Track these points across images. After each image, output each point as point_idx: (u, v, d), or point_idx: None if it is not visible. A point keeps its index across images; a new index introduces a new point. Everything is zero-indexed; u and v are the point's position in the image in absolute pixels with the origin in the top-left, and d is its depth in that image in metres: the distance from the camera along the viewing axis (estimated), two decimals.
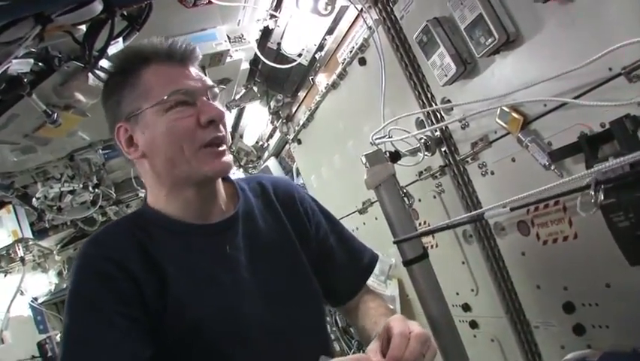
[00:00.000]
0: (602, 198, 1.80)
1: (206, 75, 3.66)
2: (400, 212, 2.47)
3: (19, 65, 2.87)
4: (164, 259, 1.80)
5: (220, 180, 2.00)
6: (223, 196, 2.01)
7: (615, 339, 2.27)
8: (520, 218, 2.54)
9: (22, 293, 8.24)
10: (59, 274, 8.59)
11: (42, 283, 8.60)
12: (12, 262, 7.79)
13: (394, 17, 2.94)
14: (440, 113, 2.85)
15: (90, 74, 3.09)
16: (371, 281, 3.95)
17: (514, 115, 2.28)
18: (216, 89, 1.90)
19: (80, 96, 3.56)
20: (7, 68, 2.74)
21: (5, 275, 8.11)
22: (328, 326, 2.36)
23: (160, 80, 1.79)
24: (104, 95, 1.95)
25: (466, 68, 2.47)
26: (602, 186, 1.76)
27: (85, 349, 1.64)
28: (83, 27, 2.61)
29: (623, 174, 1.72)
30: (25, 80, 3.08)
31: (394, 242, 2.39)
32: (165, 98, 1.75)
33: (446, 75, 2.53)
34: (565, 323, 2.51)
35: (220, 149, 1.82)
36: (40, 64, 3.08)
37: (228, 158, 1.85)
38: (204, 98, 1.81)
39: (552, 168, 2.17)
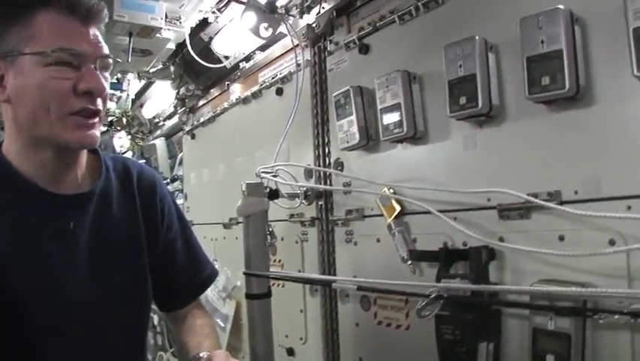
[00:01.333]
0: (440, 308, 1.96)
1: (130, 42, 3.70)
2: (259, 248, 2.57)
3: None
4: (26, 221, 1.69)
5: (85, 151, 1.86)
6: (83, 168, 1.87)
7: None
8: (365, 293, 2.67)
9: None
10: None
11: None
12: None
13: (325, 66, 3.05)
14: (331, 170, 2.95)
15: None
16: (212, 293, 4.02)
17: (394, 203, 2.42)
18: (109, 60, 1.74)
19: None
20: None
21: None
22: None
23: (52, 31, 1.61)
24: None
25: (369, 143, 2.60)
26: (440, 299, 1.92)
27: None
28: None
29: (463, 297, 1.89)
30: None
31: (244, 273, 2.48)
32: (49, 51, 1.59)
33: (348, 142, 2.65)
34: None
35: (90, 121, 1.68)
36: None
37: (95, 132, 1.71)
38: (91, 66, 1.65)
39: (408, 263, 2.32)
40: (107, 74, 1.74)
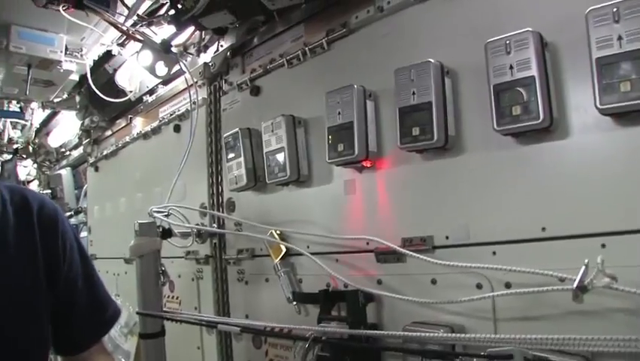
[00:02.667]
0: (320, 350, 2.01)
1: (29, 73, 3.66)
2: (152, 288, 2.58)
3: None
4: None
5: None
6: None
7: None
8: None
9: None
10: None
11: None
12: None
13: (219, 106, 3.10)
14: (223, 213, 2.99)
15: None
16: (114, 330, 3.97)
17: (280, 246, 2.47)
18: None
19: None
20: None
21: None
22: None
23: None
24: None
25: (256, 184, 2.66)
26: (320, 344, 1.97)
27: None
28: None
29: (341, 340, 1.94)
30: None
31: (137, 313, 2.48)
32: None
33: (237, 183, 2.70)
34: None
35: None
36: None
37: None
38: None
39: (293, 303, 2.36)
40: None
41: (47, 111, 5.48)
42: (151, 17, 2.99)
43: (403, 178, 2.05)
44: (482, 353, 1.56)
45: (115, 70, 4.05)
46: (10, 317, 1.69)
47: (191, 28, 3.07)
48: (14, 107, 5.32)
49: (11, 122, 5.86)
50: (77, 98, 4.77)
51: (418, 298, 1.86)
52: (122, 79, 4.06)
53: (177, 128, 3.48)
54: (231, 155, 2.73)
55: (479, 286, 1.79)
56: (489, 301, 1.76)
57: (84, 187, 5.61)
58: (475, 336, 1.62)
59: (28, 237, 1.82)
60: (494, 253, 1.77)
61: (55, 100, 4.71)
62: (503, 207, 1.77)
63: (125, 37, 3.50)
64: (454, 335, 1.76)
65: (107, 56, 3.98)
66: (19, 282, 1.76)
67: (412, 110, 1.90)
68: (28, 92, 3.88)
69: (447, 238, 1.90)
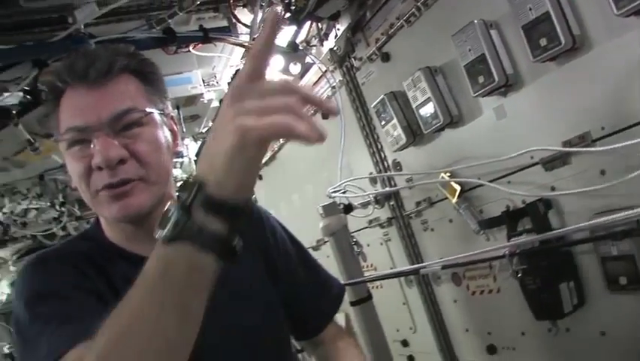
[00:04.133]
0: (517, 264, 2.20)
1: (179, 114, 4.00)
2: (349, 259, 2.86)
3: (9, 98, 3.11)
4: (117, 283, 1.57)
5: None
6: None
7: None
8: (454, 270, 2.92)
9: None
10: (12, 284, 8.42)
11: None
12: None
13: (357, 82, 3.32)
14: (391, 173, 3.21)
15: None
16: None
17: (453, 185, 2.65)
18: (133, 115, 1.51)
19: None
20: None
21: None
22: None
23: (66, 111, 1.50)
24: None
25: (415, 138, 2.86)
26: (516, 256, 2.15)
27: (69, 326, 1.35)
28: None
29: (532, 248, 2.12)
30: (14, 111, 3.35)
31: (344, 284, 2.73)
32: (61, 136, 1.49)
33: (397, 143, 2.91)
34: None
35: (119, 190, 1.49)
36: (27, 97, 3.34)
37: (134, 200, 1.52)
38: (103, 135, 1.45)
39: (481, 233, 2.56)
40: (140, 130, 1.53)
41: (199, 142, 5.87)
42: None
43: (546, 88, 2.18)
44: None
45: None
46: (251, 313, 1.77)
47: (308, 23, 3.31)
48: None
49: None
50: None
51: (594, 187, 1.99)
52: None
53: (325, 115, 3.71)
54: (384, 120, 2.95)
55: None
56: None
57: (252, 197, 5.98)
58: None
59: (244, 241, 1.92)
60: None
61: (203, 130, 5.09)
62: None
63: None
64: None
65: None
66: (246, 282, 1.81)
67: (533, 25, 2.04)
68: (184, 130, 4.22)
69: (602, 128, 2.01)
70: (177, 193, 1.07)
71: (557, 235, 2.14)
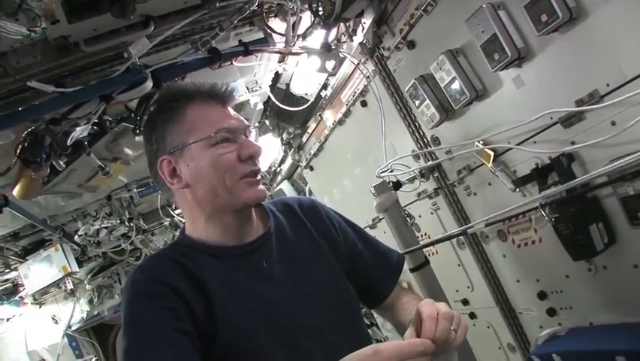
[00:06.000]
0: (550, 213, 2.51)
1: None
2: (404, 230, 3.18)
3: (81, 132, 3.43)
4: (207, 281, 1.88)
5: None
6: (254, 219, 2.07)
7: (577, 316, 2.95)
8: (499, 228, 3.22)
9: (56, 322, 8.72)
10: (90, 301, 8.77)
11: (74, 311, 8.80)
12: (45, 293, 8.29)
13: (388, 70, 3.63)
14: (431, 148, 3.51)
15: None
16: None
17: (487, 151, 2.94)
18: (252, 129, 2.11)
19: (127, 150, 4.23)
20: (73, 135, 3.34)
21: (40, 307, 8.66)
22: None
23: (205, 118, 1.90)
24: (147, 130, 2.04)
25: (448, 115, 3.16)
26: (547, 206, 2.46)
27: None
28: None
29: (561, 198, 2.42)
30: (85, 142, 3.71)
31: (403, 253, 3.04)
32: (212, 135, 1.86)
33: (432, 121, 3.22)
34: (541, 308, 3.19)
35: (256, 179, 1.93)
36: (95, 128, 3.71)
37: (263, 187, 1.96)
38: (243, 136, 1.92)
39: (517, 190, 2.85)
40: (253, 140, 1.98)
41: None
42: (305, 32, 3.55)
43: (555, 56, 2.45)
44: None
45: (287, 85, 4.64)
46: (323, 288, 2.05)
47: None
48: None
49: None
50: (267, 122, 5.45)
51: (606, 137, 2.29)
52: (296, 88, 4.65)
53: (364, 104, 4.07)
54: (418, 102, 3.25)
55: None
56: None
57: (306, 188, 6.29)
58: None
59: (302, 228, 2.18)
60: None
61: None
62: None
63: (286, 56, 4.10)
64: None
65: (276, 77, 4.59)
66: (313, 261, 2.10)
67: (533, 3, 2.34)
68: None
69: (607, 85, 2.28)
70: None
71: (581, 183, 2.41)
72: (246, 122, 1.97)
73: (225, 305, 1.85)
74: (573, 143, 2.52)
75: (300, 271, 2.04)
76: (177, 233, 5.70)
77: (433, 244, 3.55)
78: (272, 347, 1.86)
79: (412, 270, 3.20)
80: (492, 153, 2.94)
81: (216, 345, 1.81)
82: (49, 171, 3.57)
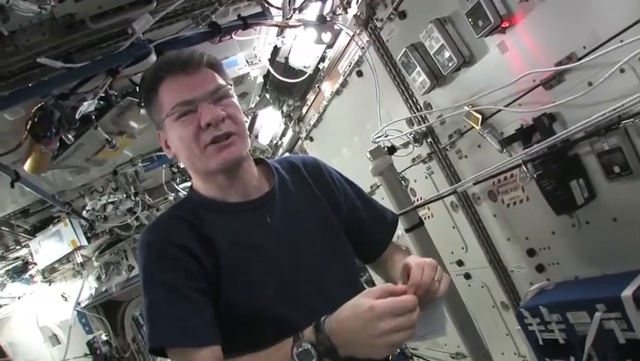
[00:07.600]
0: (534, 171, 2.67)
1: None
2: (399, 192, 3.35)
3: (88, 106, 3.58)
4: (214, 236, 2.00)
5: (252, 162, 2.16)
6: (255, 175, 2.14)
7: (564, 271, 3.10)
8: (489, 189, 3.37)
9: (65, 299, 8.91)
10: (98, 278, 8.94)
11: (83, 288, 8.92)
12: (54, 271, 8.60)
13: (382, 40, 3.76)
14: (423, 115, 3.66)
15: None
16: None
17: (475, 114, 3.08)
18: (224, 89, 2.01)
19: (133, 123, 4.36)
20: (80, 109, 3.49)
21: (50, 284, 8.86)
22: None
23: (168, 94, 1.97)
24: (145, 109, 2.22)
25: (438, 81, 3.30)
26: (531, 163, 2.62)
27: (170, 324, 1.88)
28: None
29: (543, 155, 2.58)
30: (93, 116, 3.85)
31: (398, 214, 3.19)
32: (169, 111, 1.96)
33: (424, 87, 3.36)
34: (530, 265, 3.35)
35: (225, 143, 1.96)
36: (101, 102, 3.85)
37: (234, 149, 1.98)
38: (206, 103, 1.94)
39: (504, 151, 2.99)
40: (229, 100, 2.02)
41: (249, 118, 6.28)
42: (301, 5, 3.70)
43: (535, 21, 2.58)
44: None
45: (286, 58, 4.76)
46: (322, 239, 2.19)
47: None
48: None
49: None
50: (267, 95, 5.58)
51: (581, 94, 2.44)
52: (294, 61, 4.76)
53: (360, 73, 4.21)
54: (410, 69, 3.39)
55: (622, 70, 2.30)
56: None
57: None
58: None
59: (305, 186, 2.27)
60: (621, 40, 2.25)
61: (252, 106, 5.57)
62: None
63: (284, 29, 4.21)
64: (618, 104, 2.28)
65: (275, 51, 4.71)
66: (315, 217, 2.22)
67: None
68: None
69: (584, 47, 2.42)
70: (312, 343, 1.68)
71: (561, 140, 2.56)
72: (211, 86, 1.99)
73: (231, 261, 1.98)
74: (553, 102, 2.65)
75: (302, 228, 2.16)
76: None
77: (425, 204, 3.71)
78: (276, 299, 2.00)
79: (407, 230, 3.36)
80: (480, 116, 3.07)
81: (222, 300, 1.96)
82: (58, 144, 3.71)
